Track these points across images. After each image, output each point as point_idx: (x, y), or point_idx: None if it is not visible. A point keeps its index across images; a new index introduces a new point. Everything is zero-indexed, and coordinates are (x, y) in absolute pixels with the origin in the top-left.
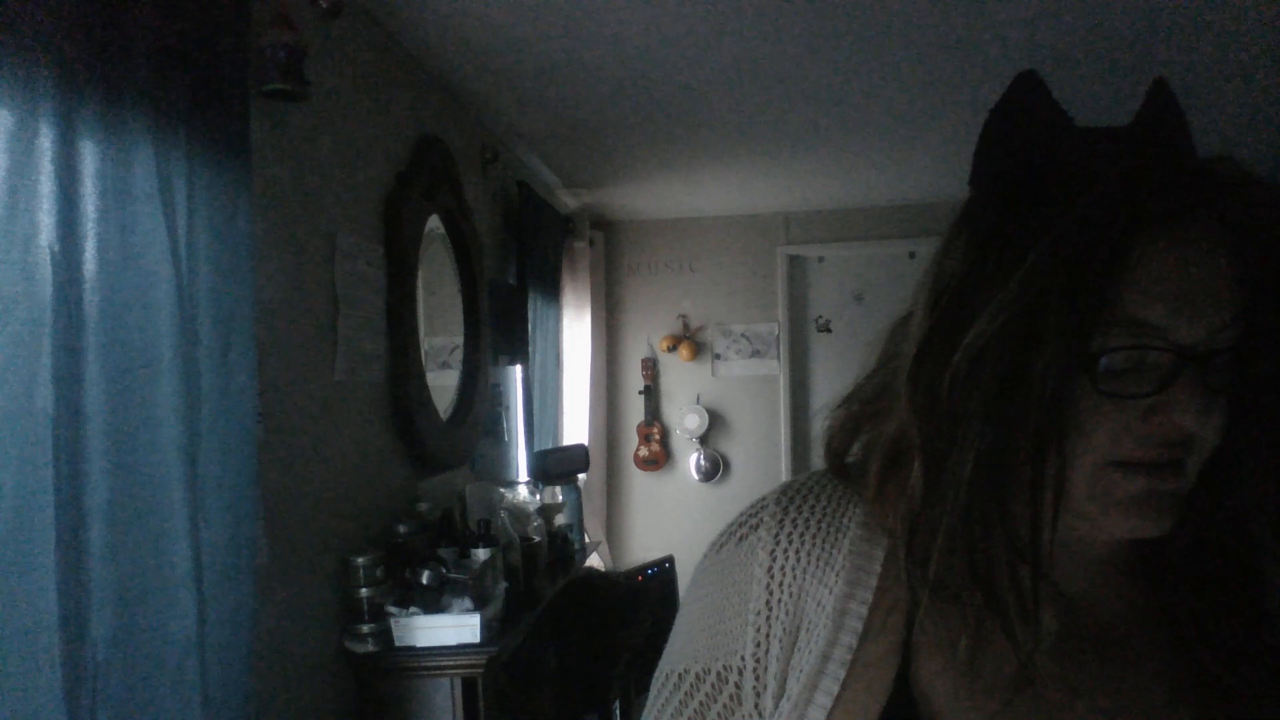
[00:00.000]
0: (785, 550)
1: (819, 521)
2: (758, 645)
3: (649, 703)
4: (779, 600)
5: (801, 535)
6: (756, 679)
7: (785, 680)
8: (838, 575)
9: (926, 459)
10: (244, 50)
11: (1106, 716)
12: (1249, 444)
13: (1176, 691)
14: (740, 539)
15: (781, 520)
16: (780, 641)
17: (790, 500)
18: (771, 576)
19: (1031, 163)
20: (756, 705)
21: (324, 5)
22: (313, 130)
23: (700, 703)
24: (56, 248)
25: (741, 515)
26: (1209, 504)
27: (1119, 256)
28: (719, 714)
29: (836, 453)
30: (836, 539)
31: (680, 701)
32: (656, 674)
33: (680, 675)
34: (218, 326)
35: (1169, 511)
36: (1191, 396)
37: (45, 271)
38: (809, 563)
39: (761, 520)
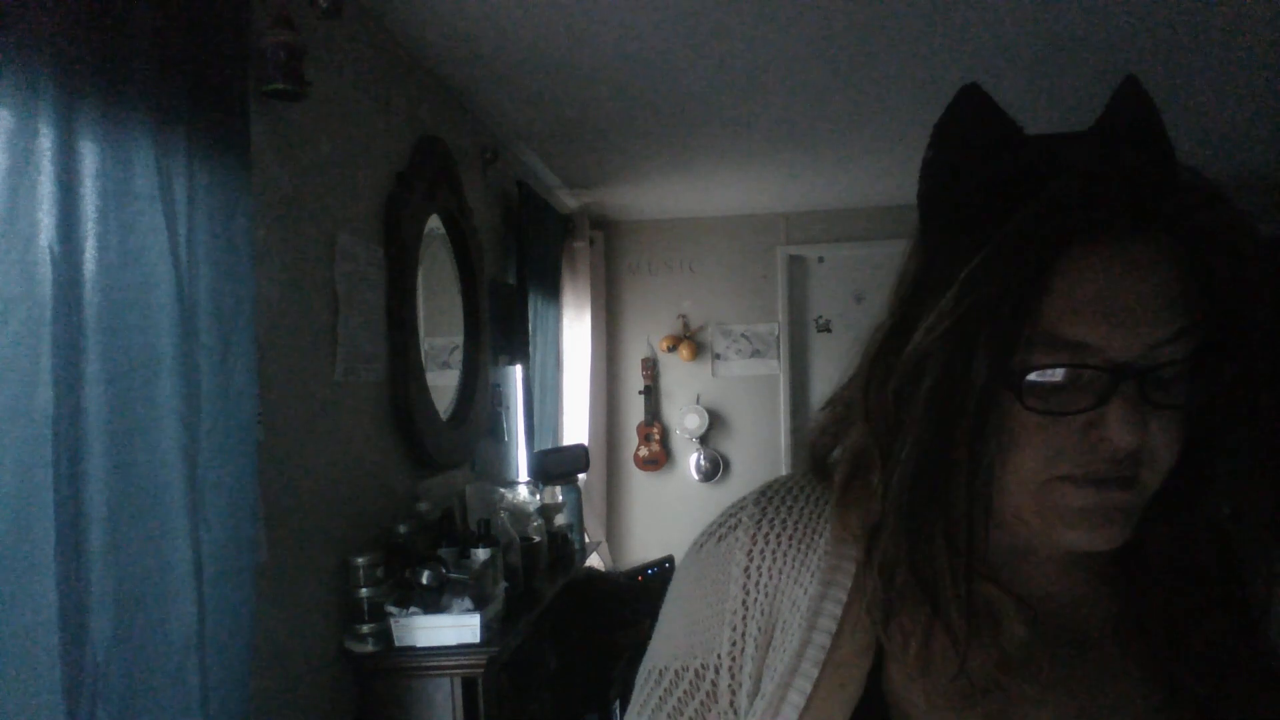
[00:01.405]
0: (762, 551)
1: (796, 522)
2: (733, 644)
3: (633, 699)
4: (755, 600)
5: (778, 536)
6: (732, 677)
7: (760, 679)
8: (812, 576)
9: (883, 466)
10: (244, 50)
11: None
12: (1222, 453)
13: (1150, 696)
14: (719, 539)
15: (759, 521)
16: (755, 641)
17: (769, 501)
18: (748, 576)
19: (977, 174)
20: (732, 703)
21: (324, 5)
22: (313, 130)
23: (679, 700)
24: (56, 248)
25: (721, 515)
26: (1188, 511)
27: (1046, 273)
28: (696, 711)
29: (819, 455)
30: (812, 540)
31: (660, 698)
32: (640, 670)
33: (660, 672)
34: (218, 326)
35: (1119, 525)
36: (1127, 413)
37: (45, 271)
38: (785, 563)
39: (740, 521)
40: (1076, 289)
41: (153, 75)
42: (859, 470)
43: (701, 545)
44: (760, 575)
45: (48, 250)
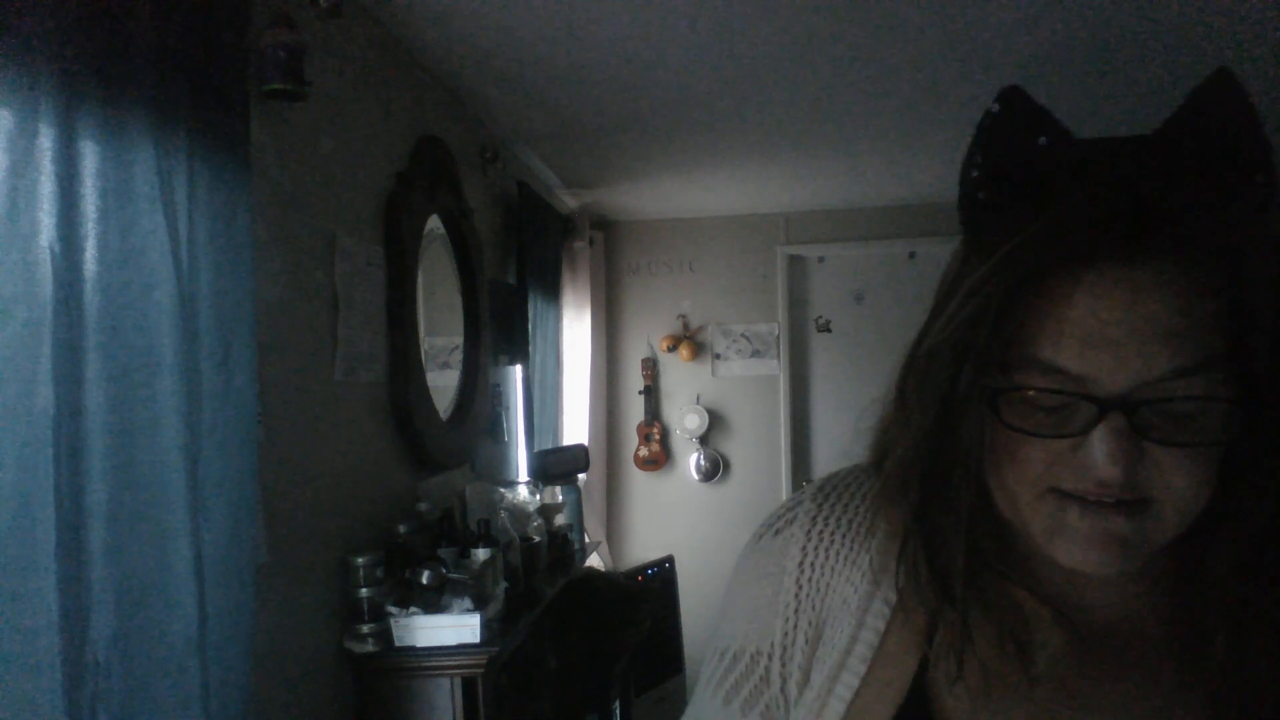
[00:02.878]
0: (816, 547)
1: (851, 520)
2: (785, 635)
3: (702, 673)
4: (807, 595)
5: (833, 534)
6: (783, 665)
7: (809, 671)
8: (863, 575)
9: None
10: (244, 50)
11: None
12: (1251, 485)
13: (1188, 704)
14: (776, 532)
15: (814, 517)
16: (805, 634)
17: (826, 498)
18: (801, 571)
19: (1003, 180)
20: (783, 689)
21: (324, 5)
22: (313, 130)
23: (737, 679)
24: (57, 248)
25: (780, 508)
26: (1255, 534)
27: (1031, 296)
28: (751, 691)
29: (882, 450)
30: (866, 538)
31: (722, 675)
32: (709, 648)
33: (723, 652)
34: (218, 326)
35: (1118, 553)
36: (1109, 445)
37: (45, 271)
38: (837, 561)
39: (796, 516)
40: (1064, 314)
41: (153, 75)
42: (901, 465)
43: (760, 536)
44: (813, 571)
45: (48, 250)
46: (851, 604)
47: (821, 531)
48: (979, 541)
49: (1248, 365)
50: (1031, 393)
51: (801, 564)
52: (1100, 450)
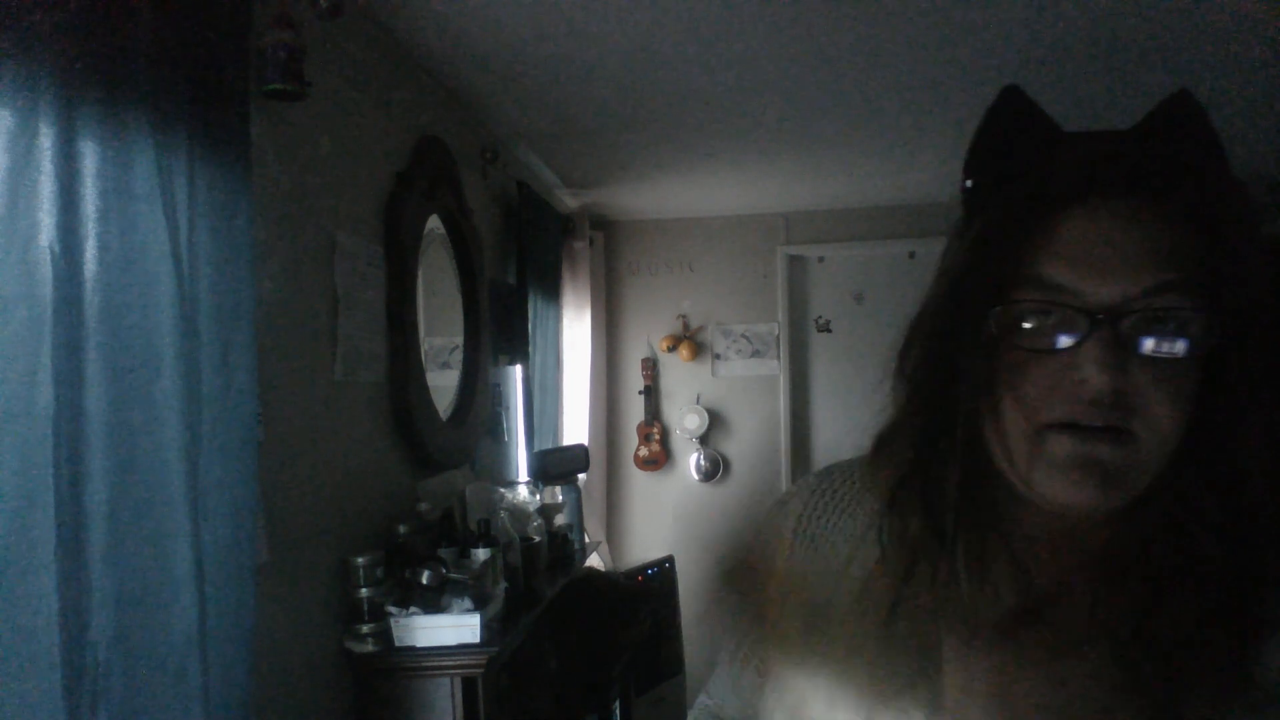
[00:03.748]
0: (809, 517)
1: (844, 496)
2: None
3: None
4: (798, 558)
5: (825, 506)
6: None
7: None
8: (847, 540)
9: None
10: (244, 50)
11: (1042, 711)
12: (1228, 446)
13: (1122, 696)
14: (781, 504)
15: (812, 492)
16: None
17: (828, 475)
18: (795, 538)
19: (1013, 162)
20: None
21: (324, 5)
22: (313, 130)
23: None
24: (57, 248)
25: (791, 486)
26: (1189, 502)
27: (1033, 224)
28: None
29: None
30: (854, 511)
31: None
32: None
33: None
34: (218, 326)
35: (1100, 482)
36: (1100, 353)
37: (45, 271)
38: (825, 528)
39: (798, 491)
40: (1060, 236)
41: (153, 75)
42: (893, 430)
43: (770, 508)
44: (805, 537)
45: (48, 250)
46: (833, 566)
47: (816, 504)
48: (969, 485)
49: (1219, 299)
50: (1027, 306)
51: (795, 530)
52: (1090, 360)
